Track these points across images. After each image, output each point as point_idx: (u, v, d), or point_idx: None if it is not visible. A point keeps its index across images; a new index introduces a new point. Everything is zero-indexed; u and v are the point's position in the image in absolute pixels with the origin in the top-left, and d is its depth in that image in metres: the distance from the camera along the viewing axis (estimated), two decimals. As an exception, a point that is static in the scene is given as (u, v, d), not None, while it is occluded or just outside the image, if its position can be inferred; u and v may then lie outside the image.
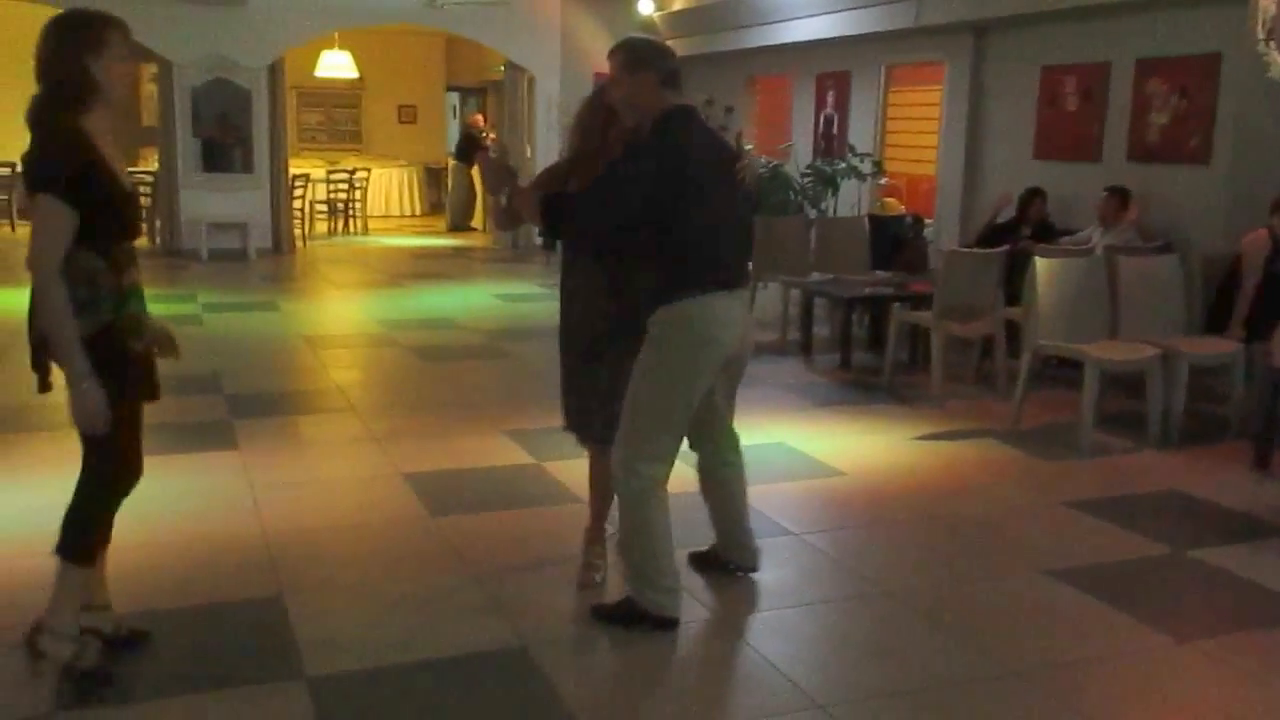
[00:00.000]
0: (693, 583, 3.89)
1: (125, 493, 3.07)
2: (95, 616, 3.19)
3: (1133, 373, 5.89)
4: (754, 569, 3.97)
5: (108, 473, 3.01)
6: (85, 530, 3.03)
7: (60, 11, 2.95)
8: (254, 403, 6.25)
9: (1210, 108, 7.30)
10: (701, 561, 4.03)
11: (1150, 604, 3.80)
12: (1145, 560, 4.21)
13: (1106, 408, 6.03)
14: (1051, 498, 4.91)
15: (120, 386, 2.92)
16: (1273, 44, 6.28)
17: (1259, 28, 6.34)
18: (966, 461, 5.48)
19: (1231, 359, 5.87)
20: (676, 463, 3.51)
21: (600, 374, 3.70)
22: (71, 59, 2.85)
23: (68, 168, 2.81)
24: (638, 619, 3.50)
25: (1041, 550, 4.28)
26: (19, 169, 11.97)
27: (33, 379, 3.00)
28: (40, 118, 2.88)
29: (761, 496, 4.72)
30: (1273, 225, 5.88)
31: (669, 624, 3.51)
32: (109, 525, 3.07)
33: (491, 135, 15.98)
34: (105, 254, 2.90)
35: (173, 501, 4.58)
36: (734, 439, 3.87)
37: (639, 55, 3.44)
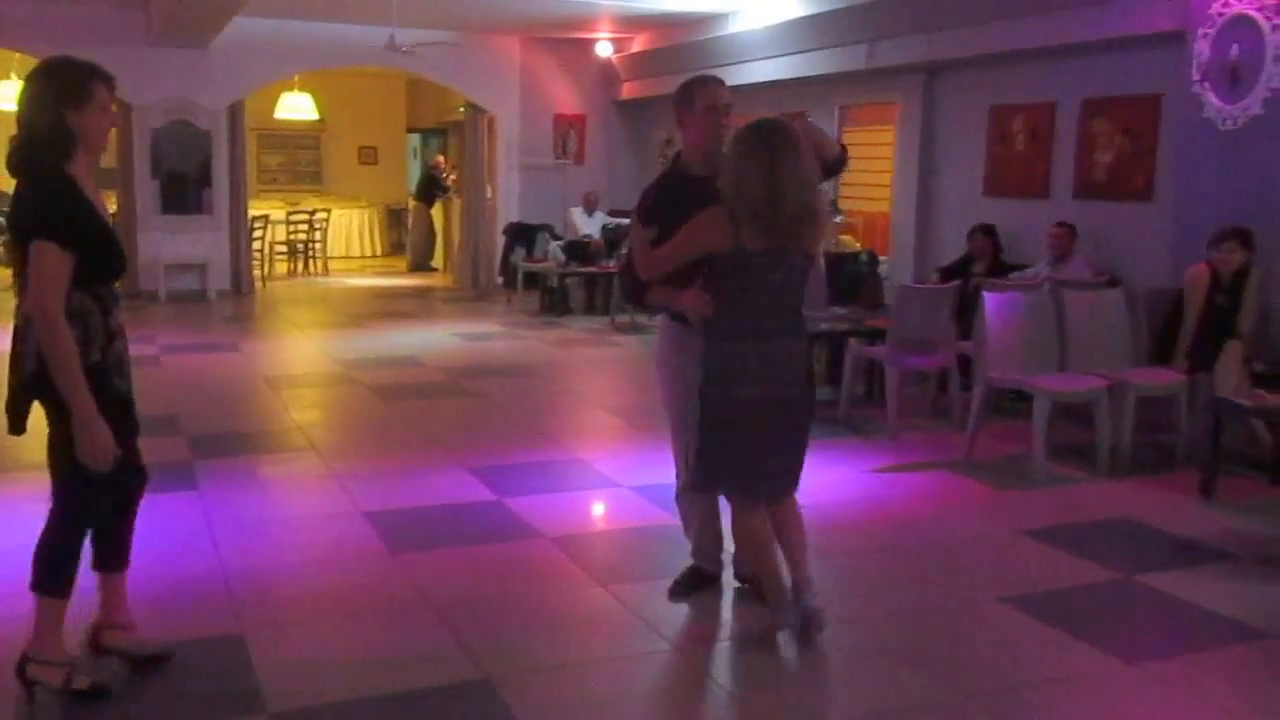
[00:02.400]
0: (654, 615, 3.93)
1: (92, 524, 3.16)
2: (117, 636, 3.35)
3: (1082, 404, 6.02)
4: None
5: (79, 506, 3.09)
6: (59, 563, 3.09)
7: (45, 60, 3.02)
8: (214, 443, 6.23)
9: (1152, 146, 7.52)
10: (689, 587, 4.10)
11: (1101, 628, 3.88)
12: (1096, 586, 4.30)
13: (1057, 438, 6.15)
14: (1006, 527, 5.00)
15: (108, 423, 2.97)
16: (1207, 85, 6.51)
17: (1194, 70, 6.58)
18: (923, 493, 5.57)
19: (1177, 389, 6.03)
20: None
21: None
22: (51, 109, 2.92)
23: (61, 213, 2.88)
24: None
25: (997, 578, 4.36)
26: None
27: (1, 422, 3.04)
28: (25, 165, 2.94)
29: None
30: (1212, 259, 6.07)
31: None
32: (79, 557, 3.13)
33: (453, 176, 16.07)
34: (94, 296, 2.98)
35: (135, 543, 4.55)
36: None
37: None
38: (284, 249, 15.31)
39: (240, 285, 13.13)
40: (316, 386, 8.13)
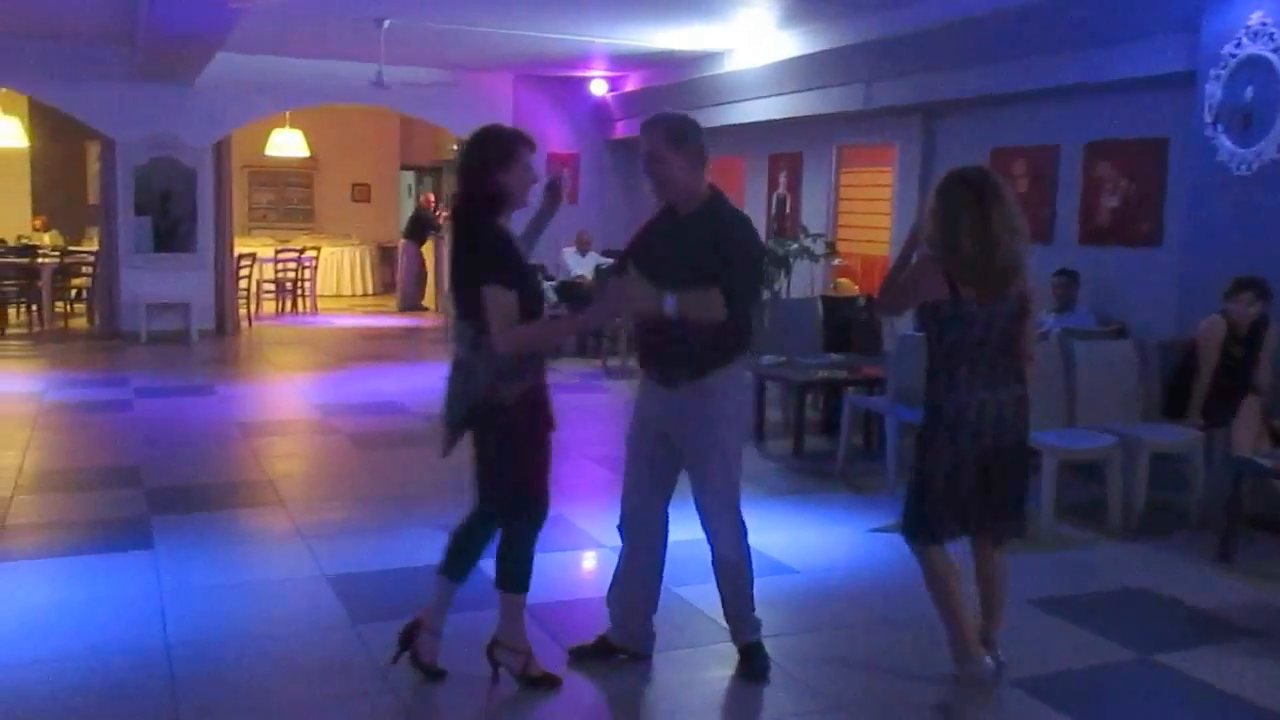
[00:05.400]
0: (634, 700, 3.60)
1: (541, 525, 3.56)
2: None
3: (1092, 461, 5.71)
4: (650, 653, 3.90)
5: (533, 511, 3.52)
6: (516, 564, 3.55)
7: (478, 129, 3.49)
8: (175, 497, 5.90)
9: (1159, 191, 7.27)
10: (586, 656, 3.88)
11: (1122, 717, 3.56)
12: (1113, 667, 3.97)
13: (1064, 494, 5.83)
14: (1012, 595, 4.64)
15: (538, 440, 3.46)
16: (1220, 128, 6.26)
17: (1206, 113, 6.34)
18: (923, 556, 5.23)
19: (1192, 447, 5.72)
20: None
21: None
22: (486, 171, 3.37)
23: (504, 260, 3.35)
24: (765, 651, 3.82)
25: (1005, 655, 4.02)
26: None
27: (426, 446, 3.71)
28: (466, 220, 3.44)
29: (707, 596, 4.46)
30: (1228, 310, 5.78)
31: None
32: (532, 557, 3.58)
33: (443, 214, 15.83)
34: None
35: (74, 611, 4.27)
36: None
37: (683, 132, 3.54)
38: (271, 288, 15.04)
39: (224, 325, 12.84)
40: (291, 434, 7.81)
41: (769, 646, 4.05)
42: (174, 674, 3.71)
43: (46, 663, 3.77)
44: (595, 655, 3.85)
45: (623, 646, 3.83)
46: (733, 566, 3.73)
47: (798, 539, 5.44)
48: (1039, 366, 5.80)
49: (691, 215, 3.56)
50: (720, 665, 3.93)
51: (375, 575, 4.76)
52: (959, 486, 3.54)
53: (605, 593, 3.93)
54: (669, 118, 3.61)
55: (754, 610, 3.83)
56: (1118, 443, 5.56)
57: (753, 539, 5.29)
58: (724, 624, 4.24)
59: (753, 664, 3.80)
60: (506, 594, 3.60)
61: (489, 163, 3.38)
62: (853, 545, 5.39)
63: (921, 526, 3.64)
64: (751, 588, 3.81)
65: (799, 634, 4.27)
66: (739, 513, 3.74)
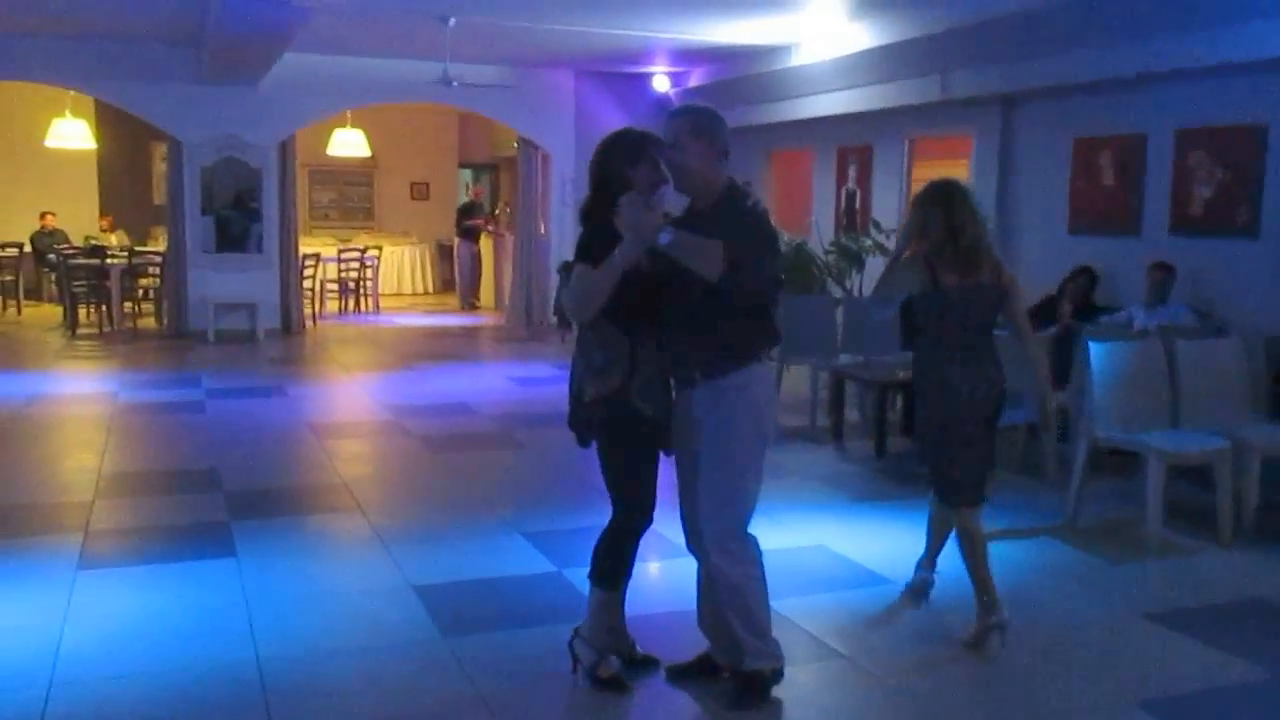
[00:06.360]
0: (726, 716, 3.46)
1: (638, 532, 3.59)
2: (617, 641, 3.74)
3: (1200, 465, 5.46)
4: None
5: (624, 514, 3.55)
6: (605, 562, 3.61)
7: (613, 132, 3.64)
8: (255, 501, 5.85)
9: (1257, 180, 6.97)
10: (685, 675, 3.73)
11: (1259, 742, 3.36)
12: (1249, 688, 3.74)
13: (1168, 498, 5.59)
14: (1127, 608, 4.46)
15: (630, 442, 3.47)
16: (1332, 114, 5.97)
17: (1315, 97, 6.04)
18: (1026, 564, 5.03)
19: (1306, 449, 5.45)
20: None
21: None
22: (614, 169, 3.48)
23: (594, 243, 3.40)
24: (768, 686, 3.57)
25: (1130, 675, 3.82)
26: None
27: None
28: (589, 214, 3.54)
29: (804, 610, 4.33)
30: (1343, 305, 5.51)
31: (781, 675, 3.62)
32: (628, 559, 3.62)
33: (487, 221, 15.77)
34: (626, 329, 3.40)
35: (161, 622, 4.20)
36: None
37: (708, 125, 3.48)
38: (335, 287, 15.07)
39: (290, 324, 12.87)
40: (364, 436, 7.75)
41: (877, 666, 3.90)
42: (265, 689, 3.62)
43: (138, 676, 3.70)
44: (696, 674, 3.70)
45: (725, 665, 3.67)
46: (732, 587, 3.44)
47: (888, 546, 5.26)
48: (1142, 364, 5.61)
49: (707, 209, 3.45)
50: (823, 682, 3.78)
51: (461, 585, 4.66)
52: (949, 446, 4.03)
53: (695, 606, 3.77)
54: (695, 109, 3.59)
55: (764, 637, 3.54)
56: (1228, 446, 5.30)
57: (842, 546, 5.21)
58: (822, 637, 4.10)
59: (743, 695, 3.52)
60: (593, 587, 3.65)
61: (615, 160, 3.49)
62: (947, 552, 5.17)
63: (944, 490, 4.18)
64: (764, 613, 3.53)
65: (906, 650, 4.08)
66: (746, 527, 3.49)
